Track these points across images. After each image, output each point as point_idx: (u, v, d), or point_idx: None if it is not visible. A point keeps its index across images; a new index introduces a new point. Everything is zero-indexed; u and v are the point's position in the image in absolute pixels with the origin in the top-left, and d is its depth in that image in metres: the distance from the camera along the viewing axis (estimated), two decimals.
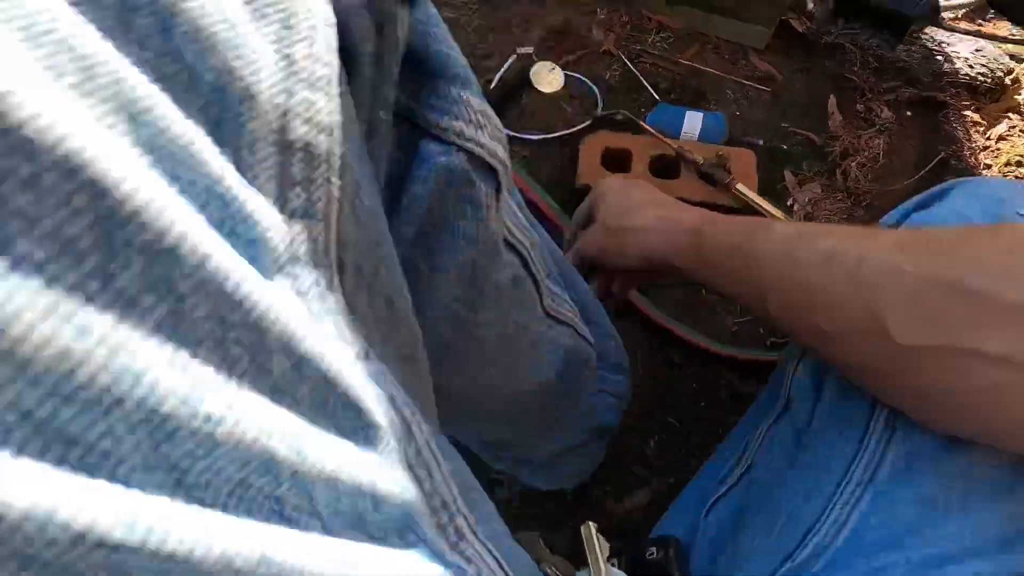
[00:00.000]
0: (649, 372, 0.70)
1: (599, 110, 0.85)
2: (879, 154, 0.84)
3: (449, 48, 0.28)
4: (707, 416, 0.68)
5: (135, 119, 0.12)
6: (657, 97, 0.87)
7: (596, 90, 0.86)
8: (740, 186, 0.75)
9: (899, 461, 0.37)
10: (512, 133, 0.82)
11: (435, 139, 0.28)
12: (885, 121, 0.86)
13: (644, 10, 0.92)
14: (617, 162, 0.80)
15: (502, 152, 0.30)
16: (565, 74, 0.87)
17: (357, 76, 0.23)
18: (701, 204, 0.65)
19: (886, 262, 0.33)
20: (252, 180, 0.15)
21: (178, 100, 0.13)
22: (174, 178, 0.13)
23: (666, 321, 0.71)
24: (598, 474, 0.66)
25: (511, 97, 0.86)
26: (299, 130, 0.16)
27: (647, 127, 0.81)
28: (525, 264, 0.36)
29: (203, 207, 0.14)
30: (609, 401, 0.59)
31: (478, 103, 0.29)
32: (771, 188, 0.81)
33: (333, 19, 0.19)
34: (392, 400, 0.19)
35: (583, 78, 0.87)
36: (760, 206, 0.75)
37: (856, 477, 0.39)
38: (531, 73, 0.86)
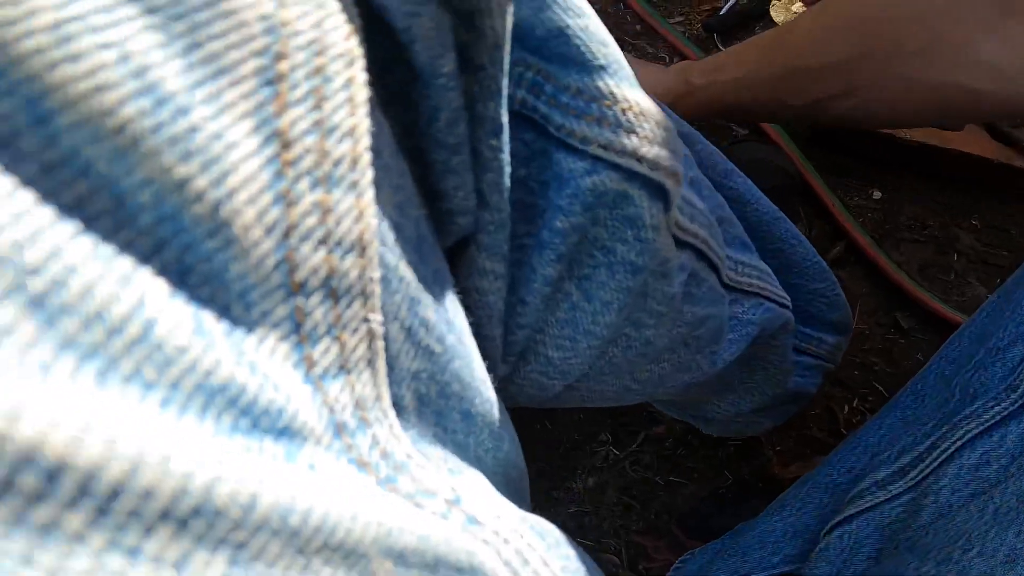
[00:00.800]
0: (865, 330, 0.55)
1: None
2: None
3: (578, 17, 0.19)
4: None
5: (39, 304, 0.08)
6: None
7: None
8: None
9: None
10: None
11: (573, 151, 0.20)
12: None
13: None
14: None
15: (668, 158, 0.22)
16: None
17: (432, 109, 0.16)
18: (987, 162, 0.61)
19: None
20: (258, 346, 0.11)
21: (106, 247, 0.09)
22: (146, 387, 0.09)
23: (895, 272, 0.56)
24: (773, 430, 0.51)
25: (745, 26, 0.76)
26: (312, 259, 0.11)
27: None
28: (701, 254, 0.29)
29: (203, 411, 0.10)
30: (808, 363, 0.47)
31: (624, 94, 0.20)
32: None
33: (356, 47, 0.12)
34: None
35: None
36: None
37: None
38: (771, 5, 0.76)
